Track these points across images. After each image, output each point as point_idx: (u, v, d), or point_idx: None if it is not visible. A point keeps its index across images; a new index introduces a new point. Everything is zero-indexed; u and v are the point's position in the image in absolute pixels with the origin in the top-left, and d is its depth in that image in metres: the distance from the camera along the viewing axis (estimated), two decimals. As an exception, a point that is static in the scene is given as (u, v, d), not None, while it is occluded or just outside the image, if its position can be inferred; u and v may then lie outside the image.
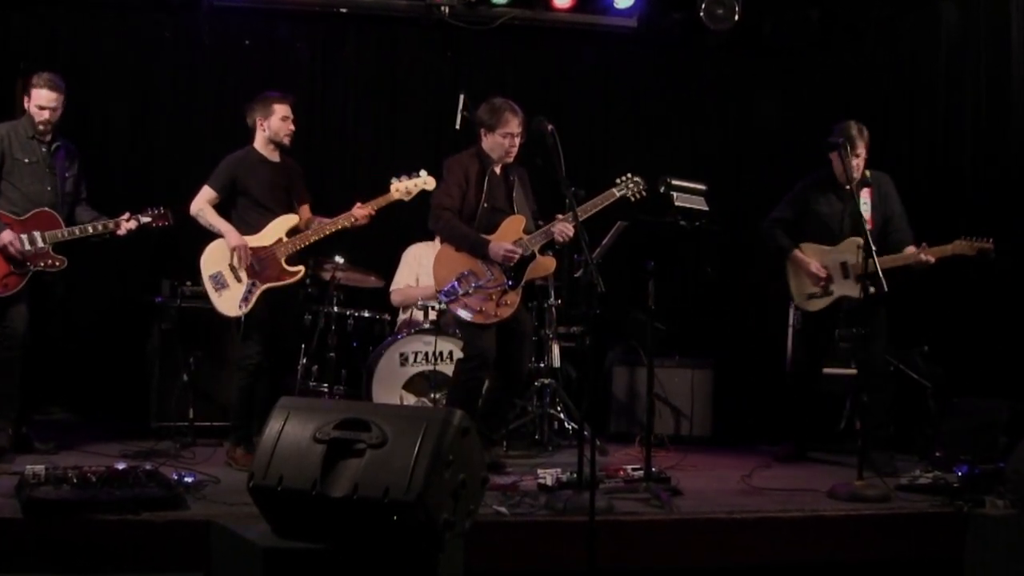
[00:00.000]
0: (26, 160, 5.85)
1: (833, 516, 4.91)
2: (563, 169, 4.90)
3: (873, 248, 5.44)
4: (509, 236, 5.78)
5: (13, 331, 5.72)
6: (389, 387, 6.70)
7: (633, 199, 5.94)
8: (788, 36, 8.29)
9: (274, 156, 6.00)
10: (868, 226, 6.05)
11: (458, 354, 6.36)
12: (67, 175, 6.02)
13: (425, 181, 6.04)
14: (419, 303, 6.93)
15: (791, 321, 7.18)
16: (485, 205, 5.79)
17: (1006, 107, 6.95)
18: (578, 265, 6.77)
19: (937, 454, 5.83)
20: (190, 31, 7.98)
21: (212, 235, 5.89)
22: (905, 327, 6.96)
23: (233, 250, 5.79)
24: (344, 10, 8.15)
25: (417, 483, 3.38)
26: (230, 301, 5.80)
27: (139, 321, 7.15)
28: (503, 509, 4.62)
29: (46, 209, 5.85)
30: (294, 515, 3.58)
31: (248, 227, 5.88)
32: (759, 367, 7.76)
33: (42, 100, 5.84)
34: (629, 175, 5.94)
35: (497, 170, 5.89)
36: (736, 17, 7.92)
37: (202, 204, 5.88)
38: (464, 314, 5.69)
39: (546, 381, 6.92)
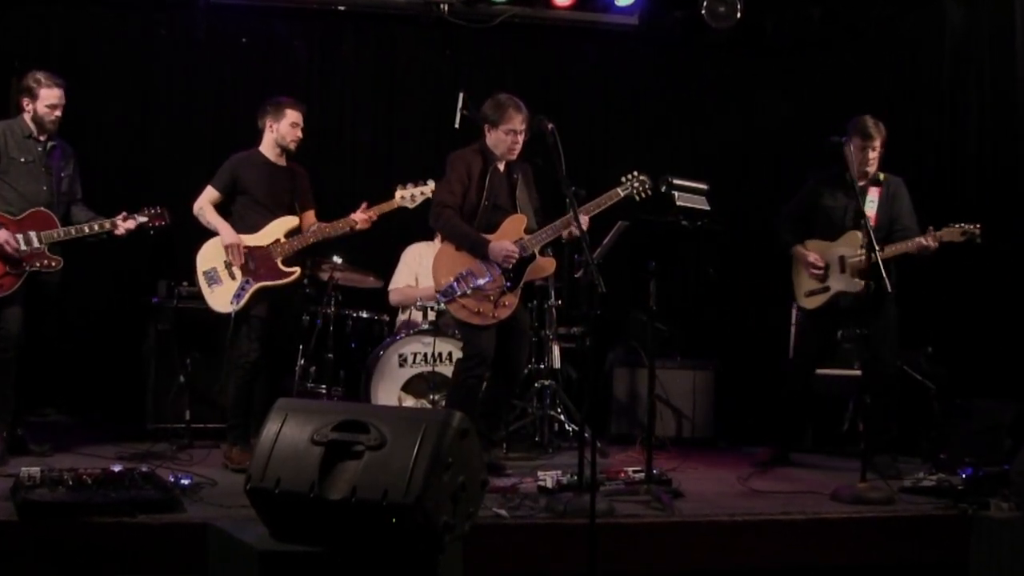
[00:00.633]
0: (22, 159, 5.82)
1: (836, 519, 4.88)
2: (563, 168, 4.87)
3: (875, 245, 5.41)
4: (510, 236, 5.74)
5: (7, 332, 5.68)
6: (388, 388, 6.67)
7: (638, 198, 5.89)
8: (790, 34, 8.29)
9: (280, 160, 6.02)
10: (871, 223, 6.04)
11: (457, 355, 6.33)
12: (63, 175, 5.99)
13: (432, 189, 6.00)
14: (418, 303, 6.90)
15: (793, 321, 7.14)
16: (486, 203, 5.75)
17: (1011, 106, 6.93)
18: (579, 265, 6.73)
19: (941, 456, 5.81)
20: (187, 29, 7.95)
21: (210, 234, 5.88)
22: (909, 328, 6.93)
23: (227, 247, 5.79)
24: (342, 8, 8.13)
25: (416, 485, 3.36)
26: (222, 297, 5.80)
27: (135, 322, 7.12)
28: (503, 512, 4.60)
29: (42, 209, 5.81)
30: (292, 518, 3.56)
31: (247, 226, 5.88)
32: (761, 368, 7.72)
33: (52, 99, 5.83)
34: (635, 173, 5.89)
35: (500, 167, 5.84)
36: (738, 15, 7.91)
37: (203, 203, 5.90)
38: (462, 315, 5.65)
39: (546, 382, 6.89)
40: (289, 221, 5.95)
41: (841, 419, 6.84)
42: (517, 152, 5.81)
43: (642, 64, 8.74)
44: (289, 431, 3.61)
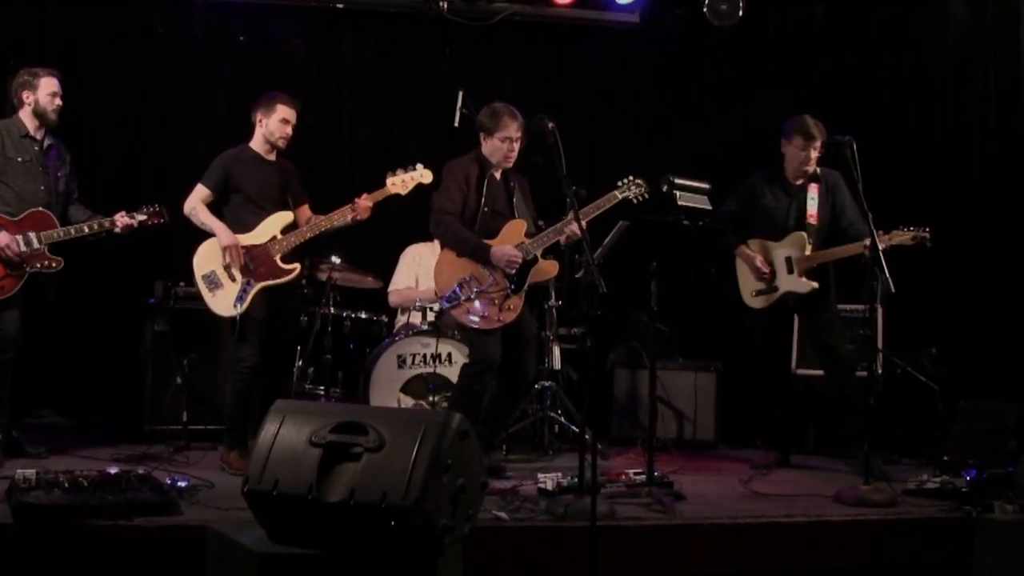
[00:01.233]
0: (19, 159, 5.80)
1: (839, 521, 4.87)
2: (564, 168, 4.85)
3: (877, 243, 5.43)
4: (510, 240, 5.74)
5: (5, 334, 5.65)
6: (387, 390, 6.64)
7: (635, 201, 5.88)
8: (793, 33, 8.26)
9: (270, 155, 5.95)
10: (813, 222, 6.15)
11: (457, 356, 6.31)
12: (60, 174, 5.96)
13: (421, 174, 5.98)
14: (417, 304, 6.87)
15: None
16: (485, 209, 5.76)
17: (1015, 105, 6.94)
18: (579, 265, 6.69)
19: (945, 458, 5.78)
20: (184, 27, 7.92)
21: (206, 234, 5.82)
22: (913, 329, 6.92)
23: (225, 249, 5.72)
24: (340, 6, 8.11)
25: (415, 488, 3.35)
26: (224, 301, 5.72)
27: (132, 322, 7.08)
28: (503, 514, 4.60)
29: (40, 209, 5.78)
30: (290, 520, 3.55)
31: (241, 225, 5.80)
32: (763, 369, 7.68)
33: (53, 87, 5.82)
34: (631, 177, 5.89)
35: (497, 175, 5.86)
36: (740, 13, 7.87)
37: (195, 202, 5.81)
38: (467, 320, 5.64)
39: (547, 383, 6.86)
40: (284, 217, 5.88)
41: (843, 421, 6.78)
42: (513, 159, 5.83)
43: (643, 63, 8.71)
44: (287, 433, 3.60)
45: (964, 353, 6.90)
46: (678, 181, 6.23)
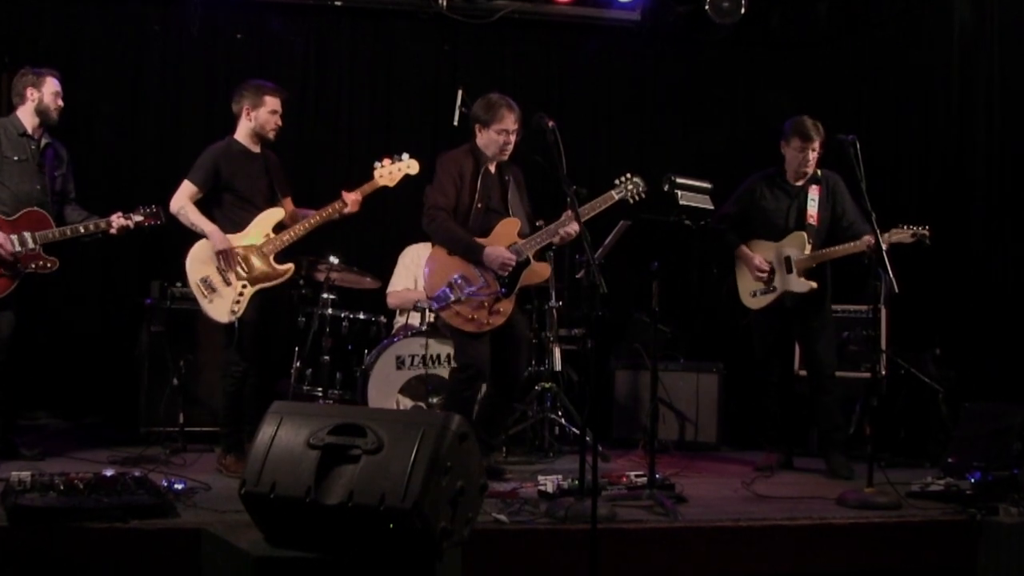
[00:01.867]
0: (16, 158, 5.78)
1: (842, 524, 4.83)
2: (564, 166, 4.82)
3: (881, 243, 5.44)
4: (504, 240, 5.67)
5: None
6: (385, 391, 6.60)
7: (632, 200, 5.81)
8: (796, 30, 8.25)
9: (255, 148, 5.86)
10: (813, 223, 6.16)
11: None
12: (56, 173, 5.95)
13: (408, 164, 5.93)
14: (417, 305, 6.83)
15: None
16: (479, 205, 5.68)
17: (1021, 103, 6.89)
18: (580, 266, 6.68)
19: (949, 460, 5.74)
20: (181, 24, 7.89)
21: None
22: (916, 329, 6.90)
23: (219, 254, 5.62)
24: (339, 3, 8.10)
25: (414, 490, 3.36)
26: (221, 307, 5.63)
27: (128, 323, 7.09)
28: (502, 517, 4.57)
29: (36, 209, 5.77)
30: (287, 523, 3.56)
31: (233, 225, 5.71)
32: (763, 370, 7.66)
33: (57, 87, 5.83)
34: (628, 175, 5.82)
35: (491, 168, 5.78)
36: (743, 10, 7.85)
37: (183, 201, 5.70)
38: (456, 322, 5.58)
39: (547, 385, 6.84)
40: (275, 215, 5.80)
41: (848, 422, 6.77)
42: (508, 153, 5.76)
43: (644, 61, 8.72)
44: (284, 435, 3.62)
45: (968, 354, 6.89)
46: (680, 180, 6.22)
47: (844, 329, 6.82)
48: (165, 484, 4.72)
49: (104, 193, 6.88)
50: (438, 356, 6.56)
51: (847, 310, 6.87)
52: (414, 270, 7.13)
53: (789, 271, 6.19)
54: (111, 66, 7.84)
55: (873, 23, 8.09)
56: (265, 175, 5.83)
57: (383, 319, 7.15)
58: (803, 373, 6.60)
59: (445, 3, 7.90)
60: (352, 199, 5.80)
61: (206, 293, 5.64)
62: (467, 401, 5.61)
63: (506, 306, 5.64)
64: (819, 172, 6.24)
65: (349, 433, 3.53)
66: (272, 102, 5.80)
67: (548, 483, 5.07)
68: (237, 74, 7.76)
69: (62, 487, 4.33)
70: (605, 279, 4.47)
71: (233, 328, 5.63)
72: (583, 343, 7.17)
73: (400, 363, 6.65)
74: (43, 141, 5.88)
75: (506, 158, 5.78)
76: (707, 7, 7.81)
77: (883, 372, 6.60)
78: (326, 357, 6.79)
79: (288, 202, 5.93)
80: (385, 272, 7.20)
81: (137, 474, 4.64)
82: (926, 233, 5.86)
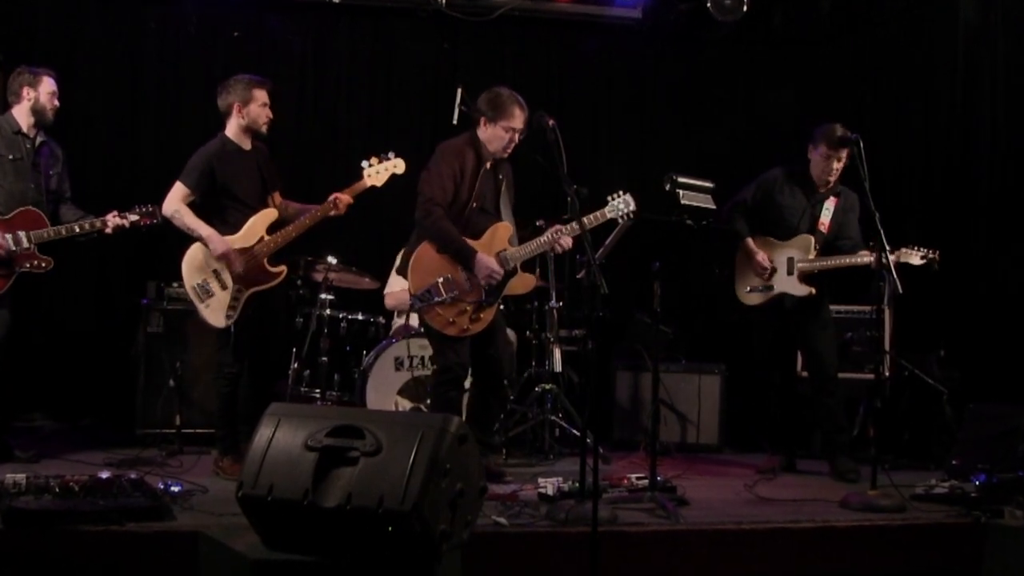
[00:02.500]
0: (11, 157, 5.75)
1: (845, 527, 4.82)
2: (565, 166, 4.79)
3: (886, 245, 5.42)
4: (495, 245, 5.60)
5: (-7, 337, 5.64)
6: (383, 392, 6.58)
7: (621, 220, 5.70)
8: (798, 28, 8.24)
9: (247, 144, 5.80)
10: (823, 230, 6.18)
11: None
12: (51, 172, 5.92)
13: (395, 164, 5.89)
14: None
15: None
16: (474, 205, 5.59)
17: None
18: (580, 266, 6.63)
19: (954, 462, 5.73)
20: (177, 22, 7.87)
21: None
22: (920, 330, 6.87)
23: (220, 258, 5.57)
24: (337, 0, 8.04)
25: (413, 492, 3.35)
26: (217, 311, 5.60)
27: (124, 323, 7.07)
28: (502, 520, 4.56)
29: (31, 208, 5.74)
30: (285, 526, 3.55)
31: (228, 226, 5.66)
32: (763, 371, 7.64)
33: (54, 87, 5.82)
34: (620, 192, 5.69)
35: (488, 166, 5.68)
36: (745, 8, 7.82)
37: (177, 204, 5.63)
38: (437, 323, 5.51)
39: (547, 386, 6.82)
40: (269, 215, 5.75)
41: (852, 423, 6.74)
42: (510, 151, 5.68)
43: (645, 59, 8.70)
44: (282, 437, 3.61)
45: (973, 355, 6.88)
46: (681, 180, 6.19)
47: (848, 330, 6.81)
48: (161, 486, 4.71)
49: (101, 192, 6.85)
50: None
51: (851, 311, 6.85)
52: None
53: (789, 273, 6.17)
54: (108, 64, 7.81)
55: (876, 21, 8.08)
56: (258, 172, 5.79)
57: (382, 320, 7.14)
58: (805, 375, 6.58)
59: (444, 1, 7.87)
60: (344, 202, 5.76)
61: (202, 298, 5.61)
62: (452, 401, 5.56)
63: (488, 315, 5.57)
64: (839, 187, 6.22)
65: (347, 435, 3.52)
66: (261, 95, 5.75)
67: (548, 485, 5.07)
68: (235, 72, 7.68)
69: (57, 489, 4.33)
70: (606, 279, 4.46)
71: (228, 330, 5.61)
72: (584, 344, 7.15)
73: (399, 364, 6.63)
74: (38, 140, 5.85)
75: (506, 156, 5.71)
76: (709, 5, 7.77)
77: (887, 373, 6.55)
78: (324, 358, 6.77)
79: (277, 196, 5.87)
80: (383, 272, 7.16)
81: (133, 476, 4.65)
82: (936, 257, 5.87)
